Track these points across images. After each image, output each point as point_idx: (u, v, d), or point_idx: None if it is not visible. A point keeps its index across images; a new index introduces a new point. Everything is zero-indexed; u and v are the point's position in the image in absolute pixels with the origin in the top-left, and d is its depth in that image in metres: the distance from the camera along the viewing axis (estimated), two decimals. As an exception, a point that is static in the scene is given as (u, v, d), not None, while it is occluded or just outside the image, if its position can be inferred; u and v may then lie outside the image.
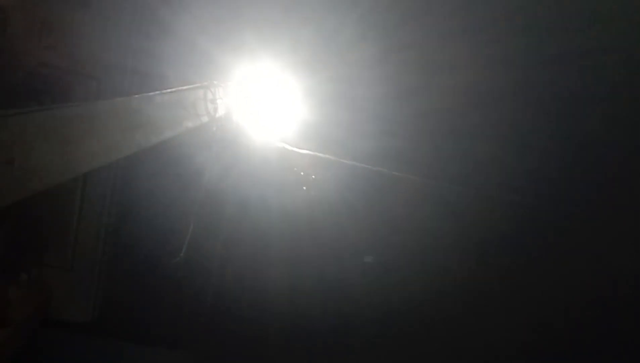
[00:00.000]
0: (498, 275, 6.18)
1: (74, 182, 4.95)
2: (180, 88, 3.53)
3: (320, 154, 5.72)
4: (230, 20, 5.40)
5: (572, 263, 6.04)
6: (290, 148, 5.57)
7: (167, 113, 3.23)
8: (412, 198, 6.00)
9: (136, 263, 5.55)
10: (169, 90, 3.31)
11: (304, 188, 5.97)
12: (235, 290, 5.88)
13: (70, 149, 2.27)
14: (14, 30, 4.60)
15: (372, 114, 5.81)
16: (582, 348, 6.07)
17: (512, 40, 5.45)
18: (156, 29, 5.18)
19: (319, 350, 6.02)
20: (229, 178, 5.50)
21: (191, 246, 5.17)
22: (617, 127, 5.79)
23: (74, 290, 5.21)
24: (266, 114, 5.31)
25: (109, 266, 5.36)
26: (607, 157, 5.93)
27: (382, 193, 5.99)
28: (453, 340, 6.17)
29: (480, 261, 6.15)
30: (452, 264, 6.08)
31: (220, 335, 5.93)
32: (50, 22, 4.84)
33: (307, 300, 5.92)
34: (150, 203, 5.31)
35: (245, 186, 5.65)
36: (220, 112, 4.23)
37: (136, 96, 2.89)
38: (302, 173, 5.93)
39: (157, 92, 3.13)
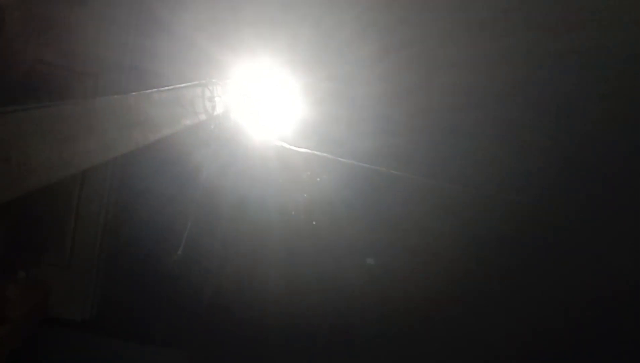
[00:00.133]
0: (497, 274, 6.18)
1: (72, 180, 4.93)
2: (178, 86, 3.51)
3: (319, 153, 5.72)
4: (228, 18, 5.38)
5: (571, 263, 6.04)
6: (288, 146, 5.56)
7: (165, 111, 3.21)
8: (410, 197, 6.00)
9: (134, 261, 5.55)
10: (167, 88, 3.29)
11: (303, 188, 5.96)
12: (233, 288, 5.87)
13: (68, 146, 2.25)
14: (11, 27, 4.58)
15: (370, 112, 5.80)
16: (582, 348, 6.07)
17: (512, 38, 5.45)
18: (154, 27, 5.17)
19: (318, 349, 6.02)
20: (227, 176, 5.49)
21: (189, 245, 5.16)
22: (618, 126, 5.78)
23: (71, 288, 5.20)
24: (265, 112, 5.30)
25: (106, 264, 5.36)
26: (608, 156, 5.92)
27: (381, 192, 5.99)
28: (452, 340, 6.17)
29: (479, 260, 6.15)
30: (451, 263, 6.08)
31: (218, 333, 5.93)
32: (48, 20, 4.82)
33: (305, 299, 5.92)
34: (148, 201, 5.30)
35: (244, 184, 5.64)
36: (219, 110, 4.21)
37: (134, 93, 2.87)
38: (304, 175, 5.92)
39: (155, 89, 3.12)
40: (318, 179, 5.92)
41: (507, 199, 5.90)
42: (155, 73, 4.93)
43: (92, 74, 4.95)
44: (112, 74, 4.99)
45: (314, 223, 5.96)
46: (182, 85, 3.60)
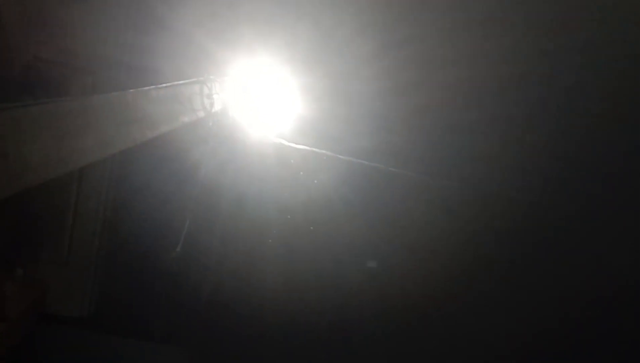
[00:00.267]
0: (495, 272, 6.19)
1: (69, 177, 4.92)
2: (176, 83, 3.51)
3: (317, 150, 5.72)
4: (227, 14, 5.37)
5: (571, 261, 6.04)
6: (287, 143, 5.56)
7: (163, 108, 3.21)
8: (409, 194, 6.00)
9: (132, 258, 5.54)
10: (165, 85, 3.28)
11: (302, 185, 5.96)
12: (232, 284, 5.87)
13: (66, 143, 2.25)
14: (7, 24, 4.56)
15: (369, 110, 5.80)
16: (581, 348, 6.06)
17: (511, 35, 5.44)
18: (152, 23, 5.15)
19: (317, 346, 6.02)
20: (226, 174, 5.48)
21: (188, 242, 5.16)
22: (619, 124, 5.78)
23: (69, 285, 5.19)
24: (263, 109, 5.30)
25: (105, 262, 5.35)
26: (608, 154, 5.91)
27: (379, 189, 5.99)
28: (450, 337, 6.18)
29: (477, 258, 6.15)
30: (449, 261, 6.08)
31: (216, 330, 5.93)
32: (45, 16, 4.80)
33: (304, 295, 5.92)
34: (146, 198, 5.29)
35: (242, 181, 5.64)
36: (217, 107, 4.21)
37: (132, 90, 2.86)
38: (302, 172, 5.92)
39: (153, 86, 3.11)
40: (315, 181, 5.91)
41: (506, 197, 5.90)
42: (153, 70, 4.91)
43: (89, 71, 4.94)
44: (110, 71, 4.97)
45: (311, 228, 5.96)
46: (180, 82, 3.60)
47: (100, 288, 5.35)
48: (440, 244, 6.05)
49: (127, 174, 5.26)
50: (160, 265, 5.49)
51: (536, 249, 6.21)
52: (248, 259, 5.91)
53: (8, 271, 4.81)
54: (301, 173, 5.92)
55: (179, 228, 5.05)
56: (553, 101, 5.84)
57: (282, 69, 5.47)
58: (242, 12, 5.44)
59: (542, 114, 5.85)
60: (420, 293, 5.95)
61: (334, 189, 5.96)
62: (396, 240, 6.07)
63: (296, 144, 5.62)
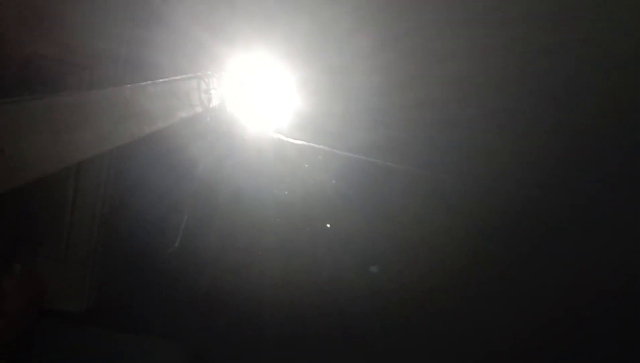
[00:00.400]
0: (494, 267, 6.20)
1: (67, 172, 4.92)
2: (173, 78, 3.50)
3: (315, 145, 5.71)
4: (224, 9, 5.35)
5: (570, 256, 6.04)
6: (285, 138, 5.56)
7: (160, 103, 3.20)
8: (407, 188, 6.01)
9: (130, 253, 5.54)
10: (162, 80, 3.28)
11: (300, 180, 5.96)
12: (230, 280, 5.88)
13: (63, 138, 2.25)
14: (4, 19, 4.55)
15: (367, 105, 5.79)
16: (579, 344, 6.07)
17: (510, 30, 5.43)
18: (150, 19, 5.13)
19: (314, 341, 6.04)
20: (223, 169, 5.48)
21: (185, 237, 5.17)
22: (618, 119, 5.77)
23: (68, 280, 5.20)
24: (261, 104, 5.29)
25: (103, 257, 5.36)
26: (608, 149, 5.90)
27: (377, 184, 5.99)
28: (449, 333, 6.19)
29: (476, 252, 6.16)
30: (448, 255, 6.09)
31: (214, 325, 5.95)
32: (42, 11, 4.78)
33: (302, 291, 5.93)
34: (144, 194, 5.29)
35: (240, 176, 5.64)
36: (214, 102, 4.20)
37: (129, 85, 2.86)
38: (300, 168, 5.92)
39: (151, 82, 3.11)
40: (313, 176, 5.91)
41: (505, 191, 5.91)
42: (150, 65, 4.90)
43: (87, 66, 4.93)
44: (107, 66, 4.96)
45: (309, 223, 5.96)
46: (178, 77, 3.59)
47: (99, 283, 5.36)
48: (438, 239, 6.06)
49: (124, 170, 5.26)
50: (158, 260, 5.49)
51: (535, 244, 6.22)
52: (246, 254, 5.92)
53: (6, 267, 4.82)
54: (299, 168, 5.92)
55: (177, 223, 5.06)
56: (552, 96, 5.83)
57: (280, 64, 5.46)
58: (240, 7, 5.42)
59: (541, 109, 5.85)
60: (418, 288, 5.97)
61: (331, 185, 5.96)
62: (394, 235, 6.08)
63: (294, 139, 5.61)
